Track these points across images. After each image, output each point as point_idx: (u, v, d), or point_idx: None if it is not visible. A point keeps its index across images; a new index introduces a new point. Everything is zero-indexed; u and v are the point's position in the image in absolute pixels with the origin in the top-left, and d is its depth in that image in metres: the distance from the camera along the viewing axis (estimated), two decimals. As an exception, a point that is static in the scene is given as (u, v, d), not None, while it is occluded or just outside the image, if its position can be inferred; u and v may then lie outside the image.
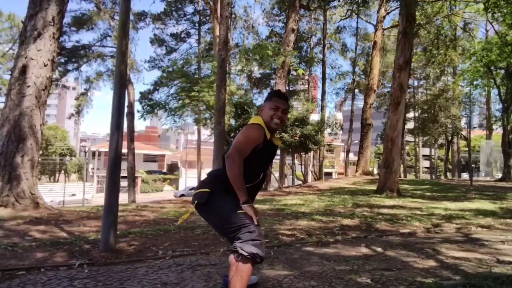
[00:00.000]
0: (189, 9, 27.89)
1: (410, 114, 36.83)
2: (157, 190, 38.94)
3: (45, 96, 6.47)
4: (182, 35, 27.40)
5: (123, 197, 11.23)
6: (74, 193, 26.64)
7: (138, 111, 21.62)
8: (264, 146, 2.17)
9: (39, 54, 6.28)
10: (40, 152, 7.91)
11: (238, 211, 2.02)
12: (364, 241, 4.24)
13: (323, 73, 27.64)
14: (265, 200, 9.14)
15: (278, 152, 22.40)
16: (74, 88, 31.10)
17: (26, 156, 6.05)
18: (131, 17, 21.61)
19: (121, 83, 3.74)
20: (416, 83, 37.60)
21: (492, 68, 21.15)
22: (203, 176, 7.67)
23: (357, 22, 32.06)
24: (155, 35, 26.79)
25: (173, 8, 25.90)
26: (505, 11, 15.77)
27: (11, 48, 26.78)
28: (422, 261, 3.39)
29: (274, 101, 2.25)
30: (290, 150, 18.14)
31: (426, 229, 5.14)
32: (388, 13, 23.03)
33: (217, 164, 9.01)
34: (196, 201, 2.16)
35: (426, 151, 51.51)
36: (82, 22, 21.61)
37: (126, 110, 13.00)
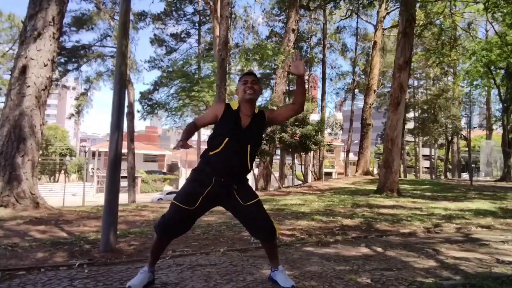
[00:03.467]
0: (189, 9, 27.87)
1: (410, 114, 36.84)
2: (157, 190, 38.96)
3: (45, 96, 6.46)
4: (182, 35, 27.42)
5: (123, 197, 11.23)
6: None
7: (138, 111, 21.73)
8: (226, 114, 2.49)
9: (39, 54, 6.28)
10: (40, 152, 7.91)
11: (174, 200, 2.45)
12: (364, 241, 4.24)
13: (323, 73, 27.69)
14: (265, 200, 9.14)
15: (278, 152, 22.41)
16: (74, 88, 31.08)
17: (26, 156, 6.05)
18: (131, 17, 21.61)
19: (121, 83, 3.74)
20: (416, 83, 37.62)
21: (492, 68, 21.15)
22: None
23: (357, 22, 32.03)
24: (155, 35, 26.83)
25: (173, 8, 25.91)
26: (505, 11, 15.79)
27: (11, 48, 26.80)
28: (422, 261, 3.39)
29: (242, 78, 2.59)
30: (290, 150, 18.12)
31: (426, 229, 5.14)
32: (388, 13, 23.04)
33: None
34: None
35: (426, 151, 51.51)
36: (82, 22, 21.63)
37: (126, 110, 12.99)
